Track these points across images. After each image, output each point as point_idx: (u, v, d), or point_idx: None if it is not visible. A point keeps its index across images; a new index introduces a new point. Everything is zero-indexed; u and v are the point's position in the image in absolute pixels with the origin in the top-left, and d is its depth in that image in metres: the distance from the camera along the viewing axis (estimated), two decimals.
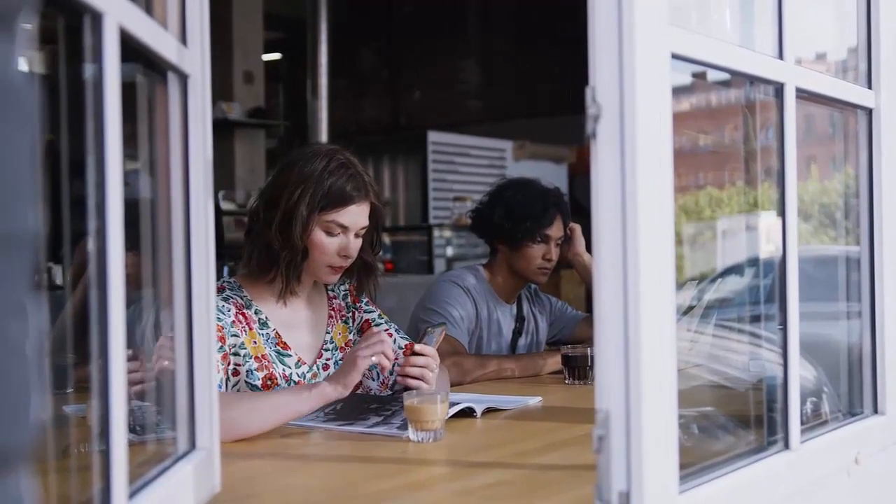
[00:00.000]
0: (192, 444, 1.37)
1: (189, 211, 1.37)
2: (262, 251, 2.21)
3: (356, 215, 2.21)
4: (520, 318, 3.16)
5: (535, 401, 2.35)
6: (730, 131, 2.10)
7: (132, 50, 1.13)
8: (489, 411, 2.18)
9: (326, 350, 2.33)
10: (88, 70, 1.03)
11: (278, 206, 2.17)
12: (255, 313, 2.22)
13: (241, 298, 2.22)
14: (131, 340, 1.09)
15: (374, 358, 1.98)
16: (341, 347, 2.35)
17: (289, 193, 2.16)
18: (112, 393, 1.01)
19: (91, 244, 1.03)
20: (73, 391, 1.35)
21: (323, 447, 1.84)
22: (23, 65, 0.56)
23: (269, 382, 2.16)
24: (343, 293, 2.43)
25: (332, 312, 2.38)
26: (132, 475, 1.09)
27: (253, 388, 2.15)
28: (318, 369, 2.29)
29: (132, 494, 1.10)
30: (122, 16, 1.05)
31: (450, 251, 7.69)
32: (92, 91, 1.02)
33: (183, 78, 1.35)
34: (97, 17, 1.00)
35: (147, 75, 1.32)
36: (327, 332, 2.35)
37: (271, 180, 2.26)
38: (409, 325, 3.08)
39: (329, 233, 2.19)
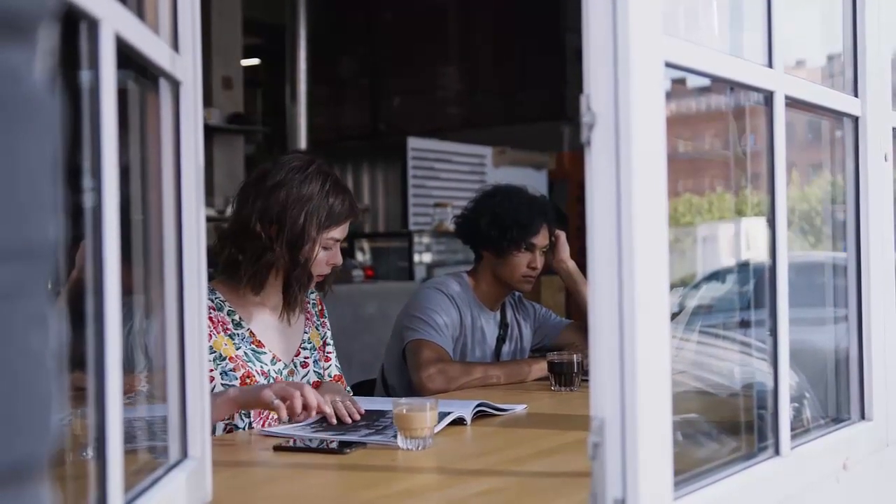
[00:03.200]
0: (184, 454, 1.36)
1: (181, 218, 1.36)
2: (265, 270, 2.26)
3: (347, 228, 2.35)
4: (503, 325, 3.16)
5: (521, 408, 2.35)
6: (709, 138, 2.11)
7: (124, 56, 1.12)
8: (479, 416, 2.19)
9: (305, 349, 2.41)
10: (84, 76, 1.02)
11: (281, 227, 2.23)
12: (228, 314, 2.28)
13: (212, 301, 2.24)
14: (122, 349, 1.08)
15: (276, 402, 1.98)
16: (319, 348, 2.45)
17: (293, 216, 2.23)
18: (108, 403, 1.01)
19: (87, 251, 1.02)
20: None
21: (314, 456, 1.83)
22: (43, 75, 0.56)
23: (247, 381, 2.22)
24: (312, 302, 2.52)
25: (308, 315, 2.47)
26: (125, 484, 1.08)
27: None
28: (295, 366, 2.37)
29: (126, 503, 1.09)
30: (118, 22, 1.04)
31: (430, 257, 7.68)
32: (88, 97, 1.01)
33: (175, 85, 1.35)
34: (94, 24, 0.99)
35: (138, 82, 1.32)
36: (305, 332, 2.43)
37: (264, 196, 2.25)
38: (392, 331, 3.08)
39: (325, 248, 2.30)
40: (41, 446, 0.55)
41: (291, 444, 1.90)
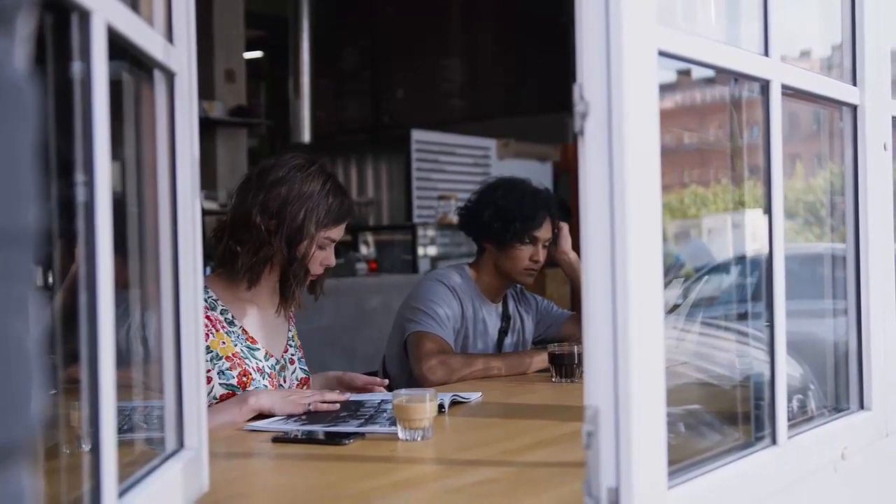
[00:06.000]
0: (181, 444, 1.37)
1: (176, 211, 1.36)
2: (262, 263, 2.28)
3: (343, 230, 2.39)
4: (506, 317, 3.16)
5: (476, 396, 2.38)
6: (714, 129, 2.10)
7: (118, 47, 1.12)
8: (480, 407, 2.23)
9: (291, 346, 2.46)
10: (76, 68, 1.02)
11: (280, 222, 2.25)
12: (221, 313, 2.31)
13: (206, 300, 2.26)
14: (118, 342, 1.09)
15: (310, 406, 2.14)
16: (299, 346, 2.50)
17: (293, 212, 2.26)
18: (101, 394, 1.01)
19: (78, 244, 1.03)
20: (57, 392, 1.34)
21: (312, 448, 1.83)
22: (22, 62, 0.56)
23: (244, 379, 2.25)
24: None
25: (291, 314, 2.51)
26: (120, 474, 1.08)
27: (228, 387, 2.23)
28: (285, 362, 2.42)
29: (121, 493, 1.10)
30: (109, 13, 1.04)
31: (434, 250, 7.67)
32: (79, 89, 1.01)
33: (170, 76, 1.35)
34: (85, 15, 1.00)
35: (133, 73, 1.32)
36: (290, 330, 2.48)
37: (265, 190, 2.28)
38: (393, 323, 3.08)
39: (321, 247, 2.33)
40: (22, 431, 0.55)
41: (290, 435, 1.91)
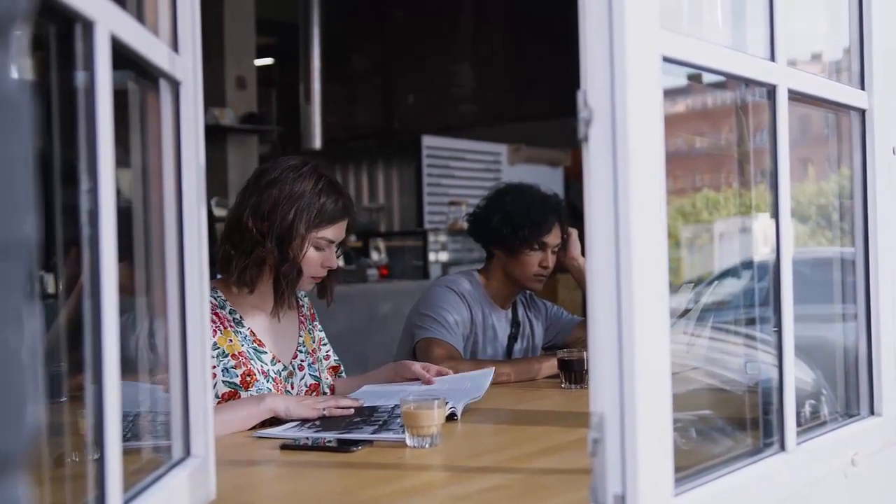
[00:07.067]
0: (187, 452, 1.37)
1: (182, 218, 1.37)
2: (255, 265, 2.28)
3: (342, 230, 2.36)
4: (515, 324, 3.15)
5: (487, 374, 2.43)
6: (726, 133, 2.10)
7: (123, 57, 1.13)
8: (486, 411, 2.24)
9: (300, 352, 2.44)
10: (80, 77, 1.02)
11: (272, 223, 2.26)
12: (230, 313, 2.31)
13: (216, 299, 2.29)
14: (125, 350, 1.09)
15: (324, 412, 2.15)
16: (311, 352, 2.47)
17: (283, 212, 2.26)
18: (106, 402, 1.01)
19: (84, 252, 1.03)
20: (66, 400, 1.35)
21: (320, 455, 1.83)
22: (18, 73, 0.56)
23: (247, 378, 2.25)
24: (305, 306, 2.55)
25: (302, 318, 2.50)
26: (126, 482, 1.08)
27: (231, 385, 2.23)
28: (293, 368, 2.40)
29: (127, 502, 1.10)
30: (113, 23, 1.04)
31: (445, 256, 7.67)
32: (83, 98, 1.02)
33: (175, 85, 1.35)
34: (88, 25, 1.00)
35: (138, 82, 1.32)
36: (300, 336, 2.46)
37: (258, 192, 2.29)
38: (402, 329, 3.08)
39: (317, 248, 2.32)
40: (17, 442, 0.55)
41: (298, 442, 1.91)
